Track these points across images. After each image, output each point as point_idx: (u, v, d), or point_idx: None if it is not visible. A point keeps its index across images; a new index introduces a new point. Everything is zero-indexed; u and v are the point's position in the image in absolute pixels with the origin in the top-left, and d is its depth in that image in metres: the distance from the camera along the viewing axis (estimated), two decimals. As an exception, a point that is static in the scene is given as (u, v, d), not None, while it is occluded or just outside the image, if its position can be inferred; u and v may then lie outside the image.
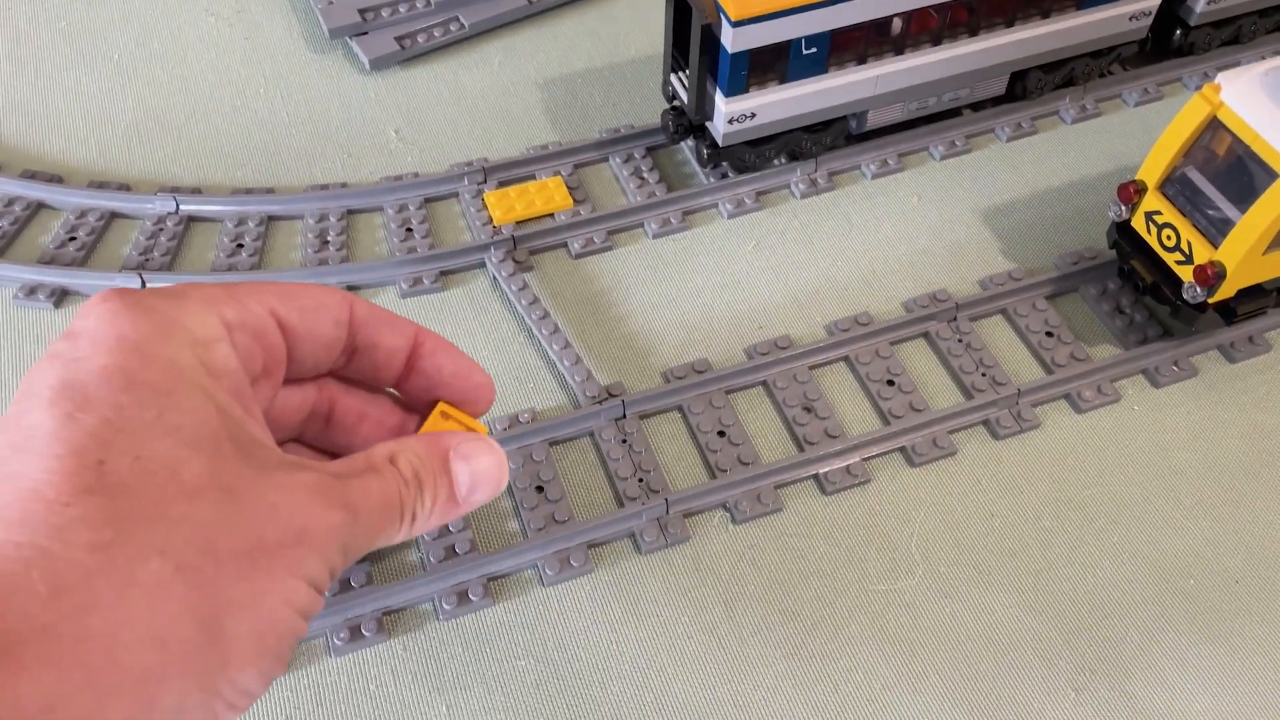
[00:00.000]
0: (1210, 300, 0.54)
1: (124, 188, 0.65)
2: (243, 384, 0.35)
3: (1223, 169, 0.52)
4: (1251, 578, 0.50)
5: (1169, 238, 0.54)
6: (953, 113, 0.69)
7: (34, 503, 0.29)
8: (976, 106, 0.70)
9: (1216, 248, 0.52)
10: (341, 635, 0.47)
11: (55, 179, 0.66)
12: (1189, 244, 0.53)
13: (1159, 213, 0.55)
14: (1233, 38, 0.72)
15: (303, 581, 0.32)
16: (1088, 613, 0.49)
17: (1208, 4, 0.68)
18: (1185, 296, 0.54)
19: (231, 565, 0.31)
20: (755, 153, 0.64)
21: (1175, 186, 0.54)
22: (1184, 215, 0.54)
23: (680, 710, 0.46)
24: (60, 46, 0.74)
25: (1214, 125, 0.52)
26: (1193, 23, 0.69)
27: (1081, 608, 0.49)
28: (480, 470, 0.40)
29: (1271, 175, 0.49)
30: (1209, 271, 0.52)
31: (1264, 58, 0.72)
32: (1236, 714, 0.47)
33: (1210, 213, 0.53)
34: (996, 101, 0.70)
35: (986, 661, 0.48)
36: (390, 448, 0.38)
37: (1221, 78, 0.52)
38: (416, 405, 0.41)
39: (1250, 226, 0.50)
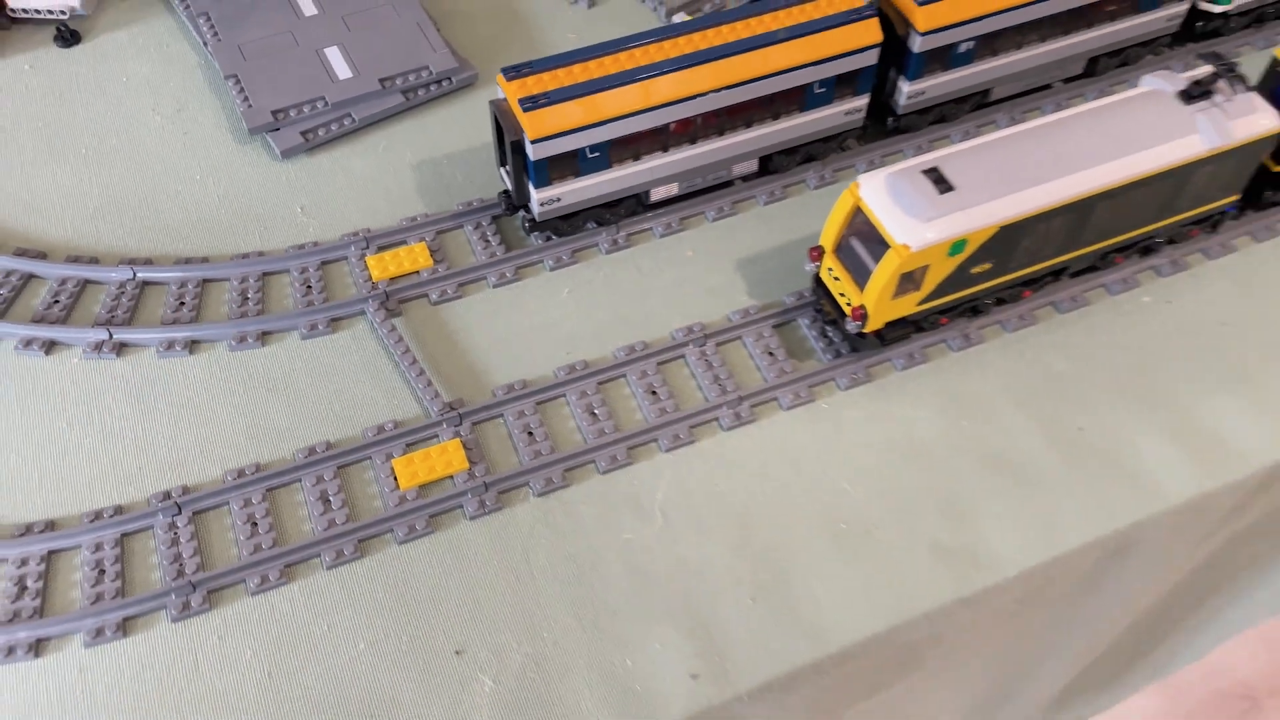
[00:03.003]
0: (865, 330, 0.76)
1: (93, 260, 0.86)
2: None
3: (866, 239, 0.75)
4: (885, 525, 0.73)
5: (839, 287, 0.77)
6: (724, 184, 0.91)
7: None
8: (748, 179, 0.93)
9: (862, 294, 0.74)
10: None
11: (40, 255, 0.86)
12: (849, 291, 0.76)
13: (833, 269, 0.77)
14: (938, 118, 0.95)
15: None
16: (772, 550, 0.72)
17: (907, 100, 0.90)
18: (848, 329, 0.76)
19: None
20: (568, 224, 0.86)
21: (842, 250, 0.77)
22: (847, 270, 0.76)
23: (482, 642, 0.68)
24: (38, 144, 0.95)
25: (858, 210, 0.74)
26: (900, 111, 0.91)
27: (768, 547, 0.72)
28: None
29: (886, 245, 0.72)
30: (858, 311, 0.74)
31: (968, 133, 0.95)
32: (860, 618, 0.69)
33: (861, 269, 0.75)
34: (755, 177, 0.92)
35: (696, 587, 0.70)
36: None
37: (861, 179, 0.74)
38: None
39: (877, 279, 0.73)
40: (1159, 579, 0.84)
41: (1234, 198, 0.83)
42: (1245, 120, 0.76)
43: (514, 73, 0.79)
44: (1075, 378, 0.80)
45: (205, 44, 0.99)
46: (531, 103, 0.77)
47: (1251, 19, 1.02)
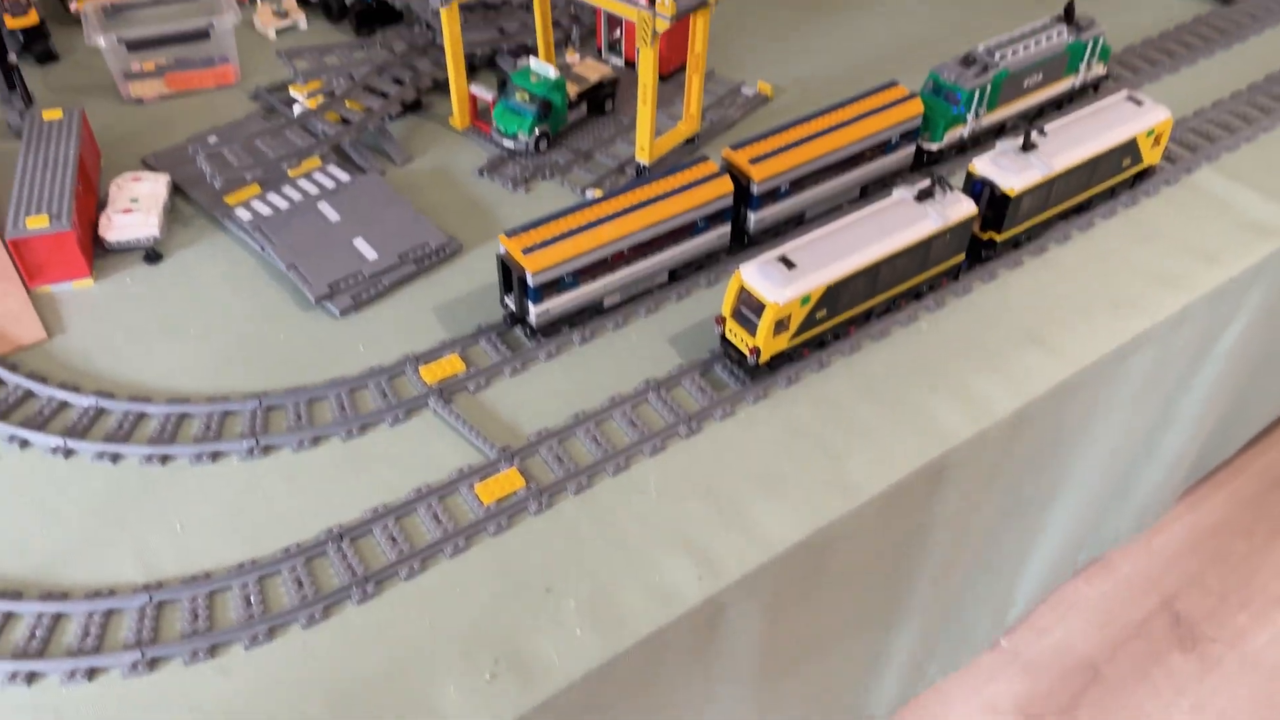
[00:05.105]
0: (759, 363, 1.21)
1: (225, 398, 1.22)
2: None
3: (749, 305, 1.20)
4: (789, 474, 1.15)
5: (738, 339, 1.22)
6: (648, 291, 1.36)
7: None
8: (662, 286, 1.38)
9: (754, 338, 1.19)
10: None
11: (184, 399, 1.22)
12: (746, 339, 1.20)
13: (732, 328, 1.22)
14: (776, 234, 1.43)
15: None
16: (726, 499, 1.12)
17: (755, 225, 1.38)
18: (749, 363, 1.21)
19: None
20: (553, 328, 1.28)
21: (736, 314, 1.21)
22: (741, 326, 1.21)
23: (561, 581, 1.05)
24: (158, 332, 1.29)
25: (741, 288, 1.20)
26: (751, 233, 1.40)
27: (724, 498, 1.12)
28: None
29: (763, 305, 1.17)
30: (754, 350, 1.19)
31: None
32: (787, 531, 1.10)
33: (750, 324, 1.20)
34: (667, 284, 1.37)
35: (688, 526, 1.10)
36: None
37: (741, 268, 1.19)
38: None
39: (762, 326, 1.17)
40: (972, 499, 1.29)
41: (961, 256, 1.34)
42: (955, 208, 1.27)
43: (511, 234, 1.23)
44: (890, 376, 1.26)
45: (262, 248, 1.39)
46: (528, 251, 1.20)
47: (957, 150, 1.57)
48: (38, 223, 1.30)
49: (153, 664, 0.97)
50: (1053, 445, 1.39)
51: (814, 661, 1.32)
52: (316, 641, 0.99)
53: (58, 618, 1.01)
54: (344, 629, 1.01)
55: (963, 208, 1.28)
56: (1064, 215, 1.46)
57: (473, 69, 1.66)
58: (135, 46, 1.59)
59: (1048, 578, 1.72)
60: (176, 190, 1.49)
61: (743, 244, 1.42)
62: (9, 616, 1.01)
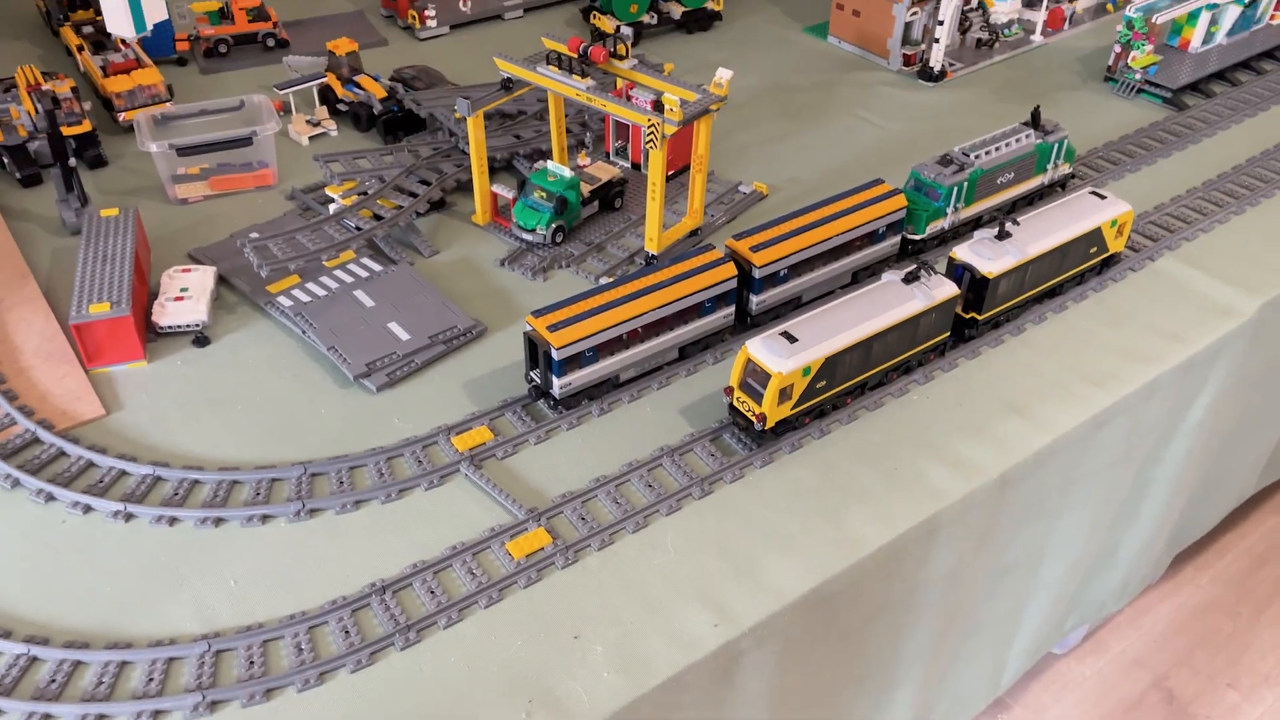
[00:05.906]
0: (765, 429, 1.31)
1: (273, 466, 1.32)
2: None
3: (755, 376, 1.31)
4: (796, 533, 1.25)
5: (745, 407, 1.33)
6: (659, 368, 1.48)
7: None
8: (673, 362, 1.49)
9: (760, 406, 1.30)
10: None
11: (234, 468, 1.32)
12: (753, 407, 1.32)
13: (740, 397, 1.33)
14: (775, 316, 1.56)
15: None
16: (737, 554, 1.22)
17: (756, 307, 1.51)
18: (756, 429, 1.32)
19: None
20: (574, 400, 1.39)
21: (743, 385, 1.33)
22: (748, 396, 1.32)
23: (587, 629, 1.14)
24: (209, 408, 1.39)
25: (748, 360, 1.32)
26: (754, 314, 1.52)
27: (734, 553, 1.21)
28: None
29: (768, 375, 1.29)
30: (760, 417, 1.30)
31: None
32: (797, 582, 1.19)
33: (756, 393, 1.31)
34: (677, 360, 1.49)
35: (703, 580, 1.19)
36: None
37: (748, 343, 1.31)
38: None
39: (768, 395, 1.29)
40: (965, 558, 1.39)
41: (947, 334, 1.46)
42: (939, 290, 1.41)
43: (537, 313, 1.35)
44: (885, 442, 1.37)
45: (303, 332, 1.50)
46: (553, 328, 1.32)
47: (938, 240, 1.71)
48: (99, 309, 1.42)
49: (212, 706, 1.04)
50: (1037, 508, 1.49)
51: (822, 714, 1.39)
52: (363, 685, 1.07)
53: (123, 665, 1.08)
54: (388, 673, 1.08)
55: (946, 289, 1.41)
56: (1039, 298, 1.59)
57: (493, 171, 1.81)
58: (184, 152, 1.73)
59: (1038, 641, 1.79)
60: (222, 281, 1.62)
61: (745, 324, 1.54)
62: (77, 665, 1.08)
